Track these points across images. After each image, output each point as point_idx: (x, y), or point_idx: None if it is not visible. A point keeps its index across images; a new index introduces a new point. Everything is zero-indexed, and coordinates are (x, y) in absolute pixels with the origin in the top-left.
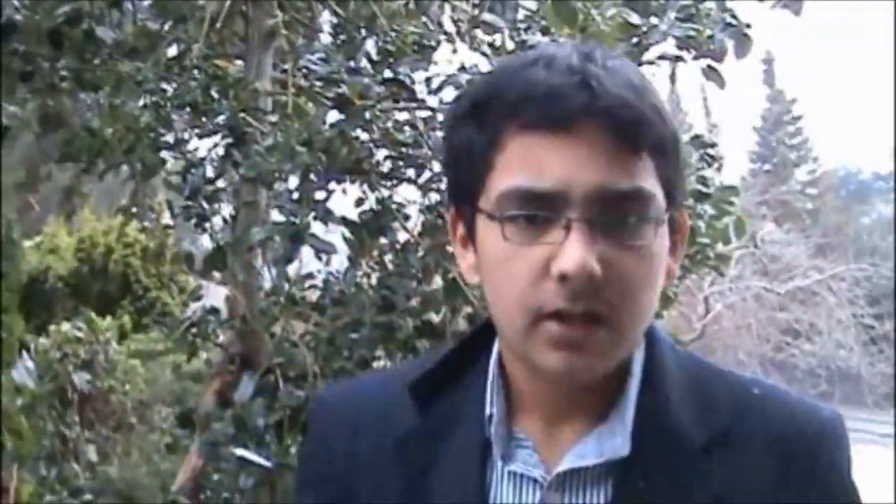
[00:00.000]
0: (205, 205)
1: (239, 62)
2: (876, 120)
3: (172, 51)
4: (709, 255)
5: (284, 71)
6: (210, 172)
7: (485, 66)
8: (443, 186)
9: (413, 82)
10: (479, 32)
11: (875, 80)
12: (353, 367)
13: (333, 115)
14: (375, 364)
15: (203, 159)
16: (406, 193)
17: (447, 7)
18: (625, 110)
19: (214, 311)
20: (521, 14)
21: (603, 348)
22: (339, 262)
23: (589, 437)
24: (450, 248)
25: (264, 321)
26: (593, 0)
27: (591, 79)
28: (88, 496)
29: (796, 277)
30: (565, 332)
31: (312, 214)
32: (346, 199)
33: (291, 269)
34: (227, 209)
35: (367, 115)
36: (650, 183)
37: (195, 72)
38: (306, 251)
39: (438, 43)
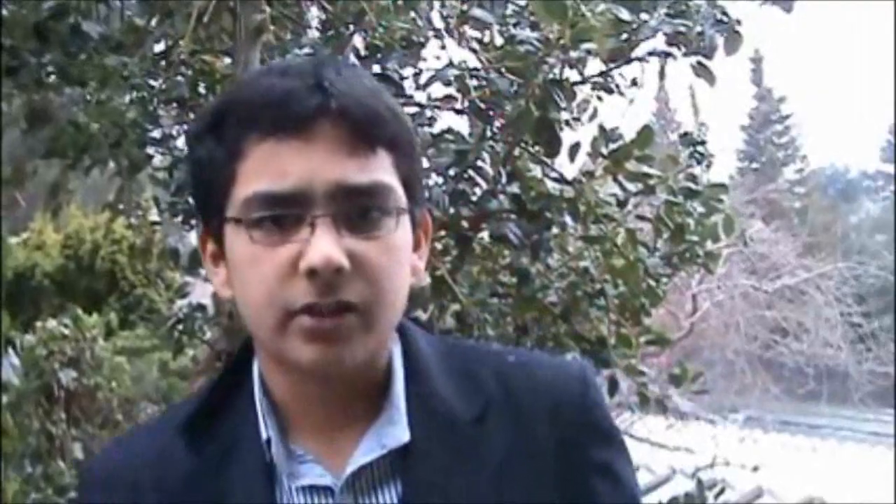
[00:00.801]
0: (191, 201)
1: (226, 58)
2: (864, 119)
3: (160, 46)
4: (698, 254)
5: None
6: None
7: (473, 62)
8: (429, 182)
9: (401, 78)
10: (467, 28)
11: (863, 78)
12: None
13: None
14: None
15: None
16: None
17: (436, 3)
18: (358, 109)
19: (201, 308)
20: (509, 9)
21: (354, 336)
22: None
23: (367, 435)
24: (439, 245)
25: None
26: None
27: (325, 81)
28: (74, 494)
29: (784, 276)
30: (316, 324)
31: None
32: None
33: None
34: None
35: None
36: (388, 177)
37: (182, 67)
38: None
39: (427, 39)
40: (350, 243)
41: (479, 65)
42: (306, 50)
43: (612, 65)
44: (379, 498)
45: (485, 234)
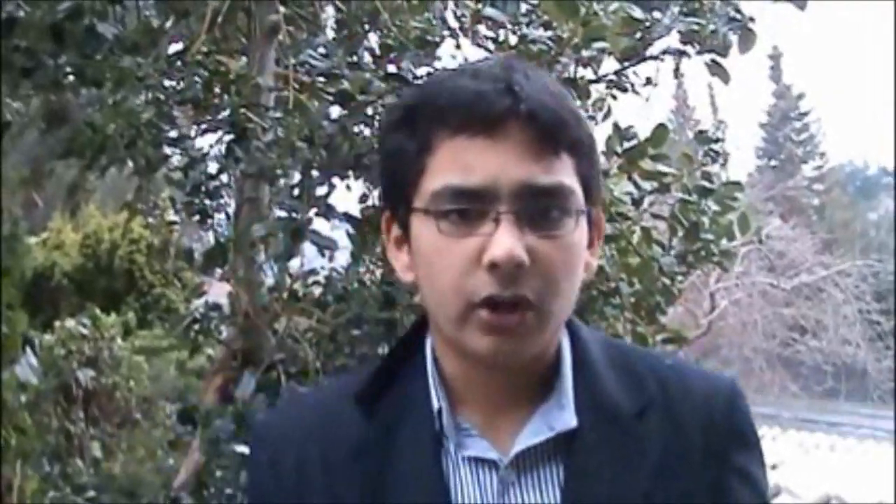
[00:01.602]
0: (207, 201)
1: (241, 58)
2: (883, 116)
3: (175, 46)
4: (713, 251)
5: (287, 66)
6: (212, 168)
7: None
8: None
9: (415, 77)
10: (481, 27)
11: (883, 75)
12: (355, 363)
13: (335, 111)
14: None
15: (205, 155)
16: None
17: (450, 2)
18: (545, 112)
19: (217, 307)
20: (523, 8)
21: (529, 331)
22: (343, 258)
23: (535, 417)
24: None
25: (266, 317)
26: None
27: (514, 85)
28: (92, 493)
29: (802, 273)
30: (495, 320)
31: (314, 210)
32: (350, 195)
33: (294, 266)
34: (229, 205)
35: (369, 110)
36: (570, 180)
37: (197, 67)
38: (310, 247)
39: (442, 38)
40: (531, 240)
41: None
42: (321, 50)
43: (626, 63)
44: (540, 478)
45: None
